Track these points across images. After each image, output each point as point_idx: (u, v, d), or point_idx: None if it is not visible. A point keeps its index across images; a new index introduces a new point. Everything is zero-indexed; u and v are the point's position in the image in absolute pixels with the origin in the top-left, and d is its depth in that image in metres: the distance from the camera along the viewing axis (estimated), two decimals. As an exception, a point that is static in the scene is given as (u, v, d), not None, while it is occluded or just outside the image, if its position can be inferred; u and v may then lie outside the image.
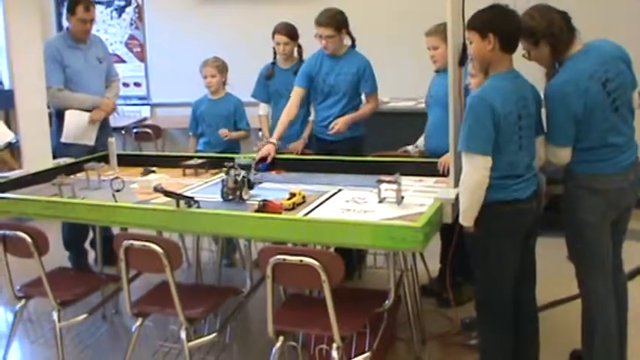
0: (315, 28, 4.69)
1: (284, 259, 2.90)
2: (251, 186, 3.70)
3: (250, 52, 6.19)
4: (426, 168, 4.06)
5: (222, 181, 3.69)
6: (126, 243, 3.23)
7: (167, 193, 3.41)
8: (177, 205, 3.37)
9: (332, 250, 3.39)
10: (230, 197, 3.63)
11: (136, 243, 3.20)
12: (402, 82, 6.13)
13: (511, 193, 3.05)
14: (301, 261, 2.88)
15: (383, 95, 5.29)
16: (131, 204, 3.58)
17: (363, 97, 4.94)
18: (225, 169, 3.69)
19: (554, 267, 3.87)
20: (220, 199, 3.65)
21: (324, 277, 2.86)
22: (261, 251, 3.01)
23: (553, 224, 3.42)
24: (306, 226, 3.14)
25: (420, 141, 4.57)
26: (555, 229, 3.42)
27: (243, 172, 3.67)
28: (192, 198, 3.41)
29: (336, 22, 4.67)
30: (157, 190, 3.45)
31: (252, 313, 4.26)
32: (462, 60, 3.39)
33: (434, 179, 3.96)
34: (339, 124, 4.71)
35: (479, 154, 2.98)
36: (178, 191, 3.64)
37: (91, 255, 5.24)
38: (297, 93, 4.86)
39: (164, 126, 7.58)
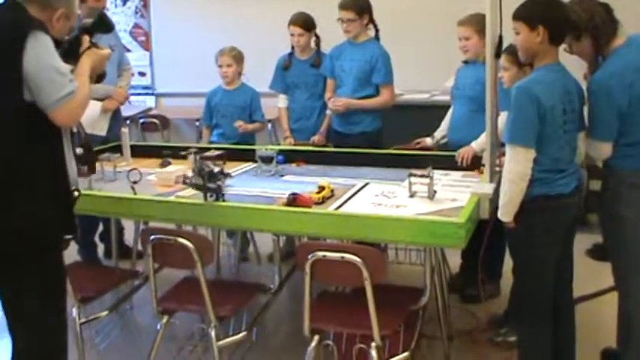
0: (338, 11, 4.63)
1: (324, 256, 2.82)
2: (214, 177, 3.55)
3: (260, 43, 6.13)
4: (452, 162, 3.98)
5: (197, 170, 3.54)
6: (154, 238, 3.12)
7: (197, 186, 3.31)
8: (205, 198, 3.27)
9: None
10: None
11: (166, 238, 3.10)
12: (414, 75, 6.05)
13: (555, 187, 2.98)
14: (342, 257, 2.79)
15: (396, 88, 5.19)
16: (157, 197, 3.48)
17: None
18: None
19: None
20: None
21: (366, 274, 2.77)
22: (299, 247, 2.92)
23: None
24: (343, 220, 3.05)
25: (438, 133, 4.50)
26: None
27: (208, 163, 3.53)
28: (220, 191, 3.31)
29: (358, 5, 4.61)
30: (186, 183, 3.34)
31: (273, 309, 4.17)
32: (498, 52, 3.30)
33: (460, 173, 3.88)
34: (337, 100, 4.72)
35: (522, 145, 2.91)
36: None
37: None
38: (330, 84, 4.90)
39: (170, 116, 7.45)
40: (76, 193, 2.79)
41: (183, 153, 4.12)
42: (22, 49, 2.48)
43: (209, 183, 3.45)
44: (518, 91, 2.93)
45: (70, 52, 2.66)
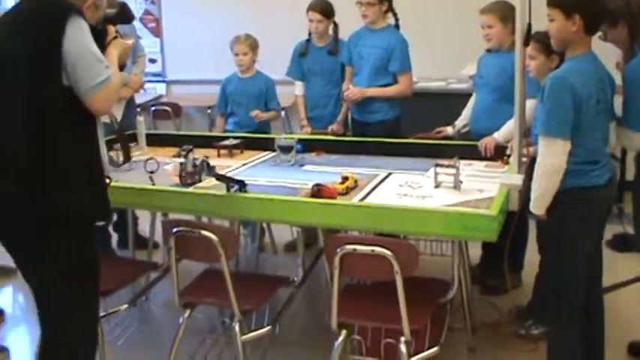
0: None
1: (354, 249, 2.74)
2: (211, 170, 3.52)
3: (274, 29, 6.05)
4: (474, 151, 3.91)
5: (181, 164, 3.54)
6: (177, 230, 3.05)
7: (219, 177, 3.24)
8: (228, 189, 3.20)
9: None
10: (189, 182, 3.48)
11: (190, 230, 3.02)
12: (430, 63, 5.95)
13: (590, 179, 2.91)
14: (373, 251, 2.72)
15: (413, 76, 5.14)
16: (176, 188, 3.41)
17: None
18: (183, 152, 3.57)
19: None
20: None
21: (397, 267, 2.70)
22: (328, 240, 2.85)
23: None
24: (371, 212, 2.99)
25: (459, 122, 4.43)
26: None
27: (202, 157, 3.56)
28: (242, 182, 3.24)
29: None
30: (213, 175, 3.29)
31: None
32: (527, 41, 3.22)
33: (483, 163, 3.82)
34: (352, 89, 4.66)
35: (559, 137, 2.83)
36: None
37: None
38: (348, 72, 4.84)
39: (181, 104, 7.35)
40: (107, 181, 2.75)
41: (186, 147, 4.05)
42: (63, 34, 2.45)
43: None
44: (553, 81, 2.84)
45: (97, 42, 2.61)
